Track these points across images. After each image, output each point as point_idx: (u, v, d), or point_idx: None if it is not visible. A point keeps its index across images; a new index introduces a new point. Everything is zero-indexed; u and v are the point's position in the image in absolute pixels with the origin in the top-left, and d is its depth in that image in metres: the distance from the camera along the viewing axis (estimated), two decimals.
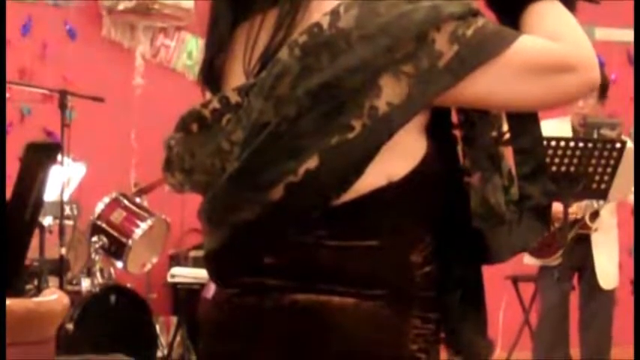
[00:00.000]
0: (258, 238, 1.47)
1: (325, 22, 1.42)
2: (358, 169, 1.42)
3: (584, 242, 5.09)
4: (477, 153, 1.52)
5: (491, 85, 1.44)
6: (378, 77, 1.40)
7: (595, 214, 5.06)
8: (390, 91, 1.41)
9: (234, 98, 1.48)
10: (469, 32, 1.42)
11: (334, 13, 1.43)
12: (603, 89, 5.04)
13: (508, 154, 1.57)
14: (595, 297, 5.06)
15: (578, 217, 5.12)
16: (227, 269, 1.52)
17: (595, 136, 5.12)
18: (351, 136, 1.41)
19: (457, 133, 1.54)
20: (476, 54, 1.42)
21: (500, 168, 1.54)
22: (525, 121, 1.56)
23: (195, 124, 1.50)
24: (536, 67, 1.44)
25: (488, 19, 1.46)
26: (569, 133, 5.07)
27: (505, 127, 1.55)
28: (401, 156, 1.45)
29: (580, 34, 1.48)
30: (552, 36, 1.46)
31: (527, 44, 1.45)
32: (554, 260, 5.10)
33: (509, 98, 1.46)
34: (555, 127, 4.92)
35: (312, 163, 1.41)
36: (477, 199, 1.51)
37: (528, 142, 1.56)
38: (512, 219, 1.54)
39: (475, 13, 1.44)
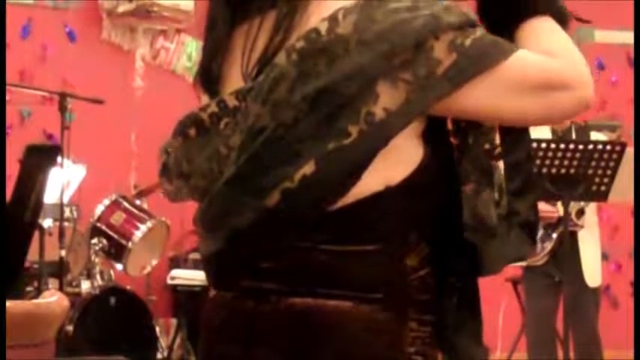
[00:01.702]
0: (254, 243, 1.47)
1: (323, 28, 1.42)
2: (355, 175, 1.42)
3: (570, 239, 5.09)
4: (469, 164, 1.52)
5: (487, 95, 1.44)
6: (374, 83, 1.40)
7: (581, 212, 5.08)
8: (387, 98, 1.40)
9: (231, 102, 1.47)
10: (467, 42, 1.42)
11: (333, 19, 1.42)
12: None
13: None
14: (581, 295, 5.04)
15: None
16: (224, 273, 1.52)
17: (574, 135, 5.13)
18: (347, 141, 1.40)
19: (453, 140, 1.53)
20: (474, 63, 1.41)
21: (493, 181, 1.53)
22: (517, 136, 1.55)
23: (194, 128, 1.50)
24: (532, 82, 1.44)
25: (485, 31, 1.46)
26: (547, 134, 5.09)
27: (497, 141, 1.54)
28: (398, 162, 1.45)
29: (575, 52, 1.48)
30: (547, 53, 1.46)
31: (525, 58, 1.45)
32: (540, 260, 5.11)
33: (503, 111, 1.46)
34: (533, 128, 4.91)
35: (308, 168, 1.41)
36: (469, 210, 1.50)
37: (519, 157, 1.55)
38: (503, 232, 1.53)
39: (473, 24, 1.44)
